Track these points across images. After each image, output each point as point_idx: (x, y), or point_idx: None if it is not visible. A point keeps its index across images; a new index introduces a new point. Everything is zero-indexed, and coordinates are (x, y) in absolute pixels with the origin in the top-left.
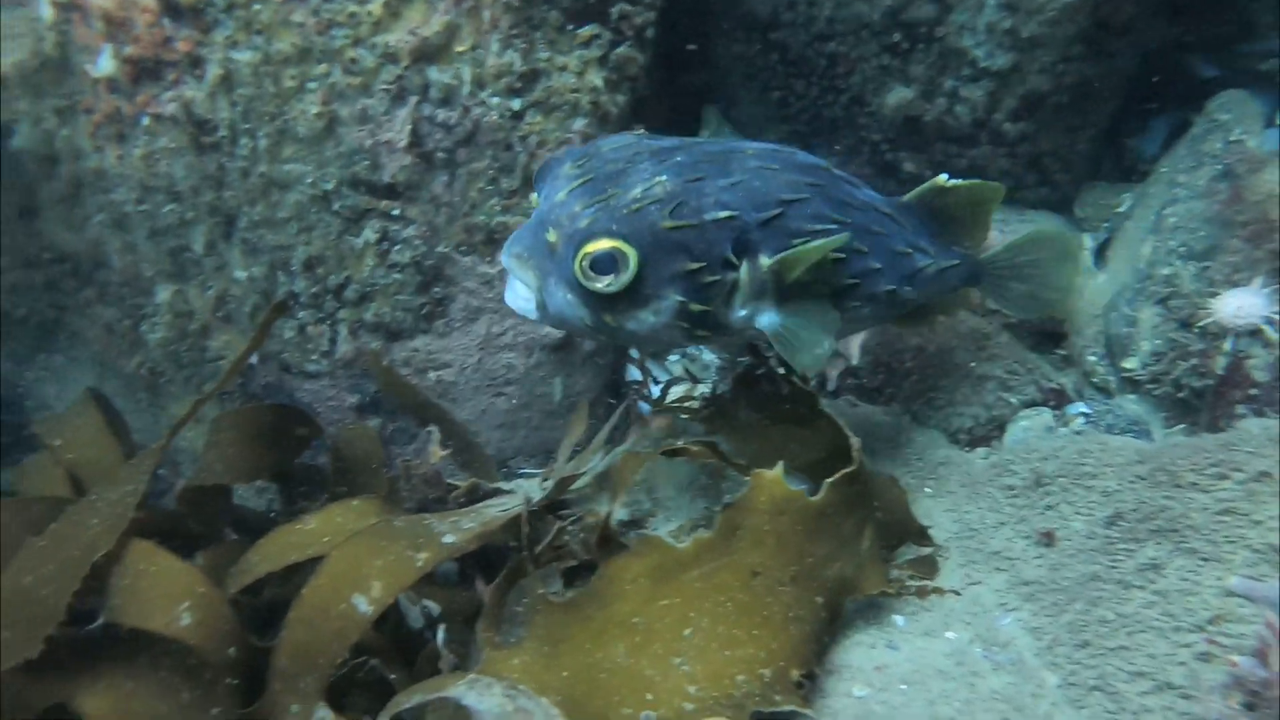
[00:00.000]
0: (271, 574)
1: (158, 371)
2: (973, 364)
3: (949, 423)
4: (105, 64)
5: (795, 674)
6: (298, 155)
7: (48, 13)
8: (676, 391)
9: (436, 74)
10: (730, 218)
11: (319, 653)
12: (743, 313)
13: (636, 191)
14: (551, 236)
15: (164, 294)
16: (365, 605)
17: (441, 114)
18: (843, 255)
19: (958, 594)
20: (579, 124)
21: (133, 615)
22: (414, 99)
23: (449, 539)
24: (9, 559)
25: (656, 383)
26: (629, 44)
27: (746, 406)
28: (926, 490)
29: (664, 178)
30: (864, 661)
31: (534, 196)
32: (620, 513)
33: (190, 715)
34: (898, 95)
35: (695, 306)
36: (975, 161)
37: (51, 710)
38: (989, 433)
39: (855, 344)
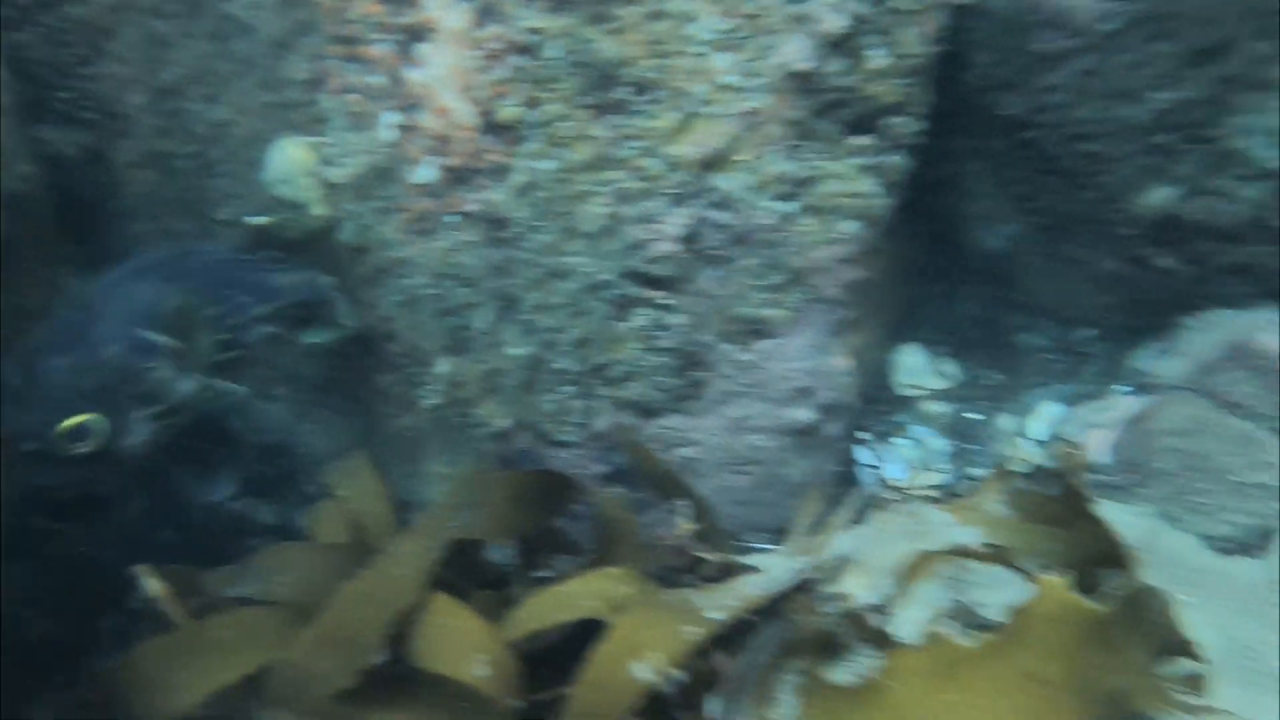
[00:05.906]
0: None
1: (422, 431)
2: (1240, 471)
3: (1208, 528)
4: (425, 173)
5: None
6: (579, 249)
7: (389, 135)
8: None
9: (718, 180)
10: None
11: (602, 714)
12: None
13: None
14: None
15: (443, 366)
16: (644, 673)
17: (718, 215)
18: None
19: (1231, 715)
20: (847, 226)
21: (437, 662)
22: (694, 202)
23: (714, 615)
24: (319, 597)
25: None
26: (900, 152)
27: (997, 501)
28: (1184, 599)
29: None
30: None
31: None
32: (864, 595)
33: None
34: (1158, 194)
35: None
36: (1239, 259)
37: None
38: (1255, 541)
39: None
